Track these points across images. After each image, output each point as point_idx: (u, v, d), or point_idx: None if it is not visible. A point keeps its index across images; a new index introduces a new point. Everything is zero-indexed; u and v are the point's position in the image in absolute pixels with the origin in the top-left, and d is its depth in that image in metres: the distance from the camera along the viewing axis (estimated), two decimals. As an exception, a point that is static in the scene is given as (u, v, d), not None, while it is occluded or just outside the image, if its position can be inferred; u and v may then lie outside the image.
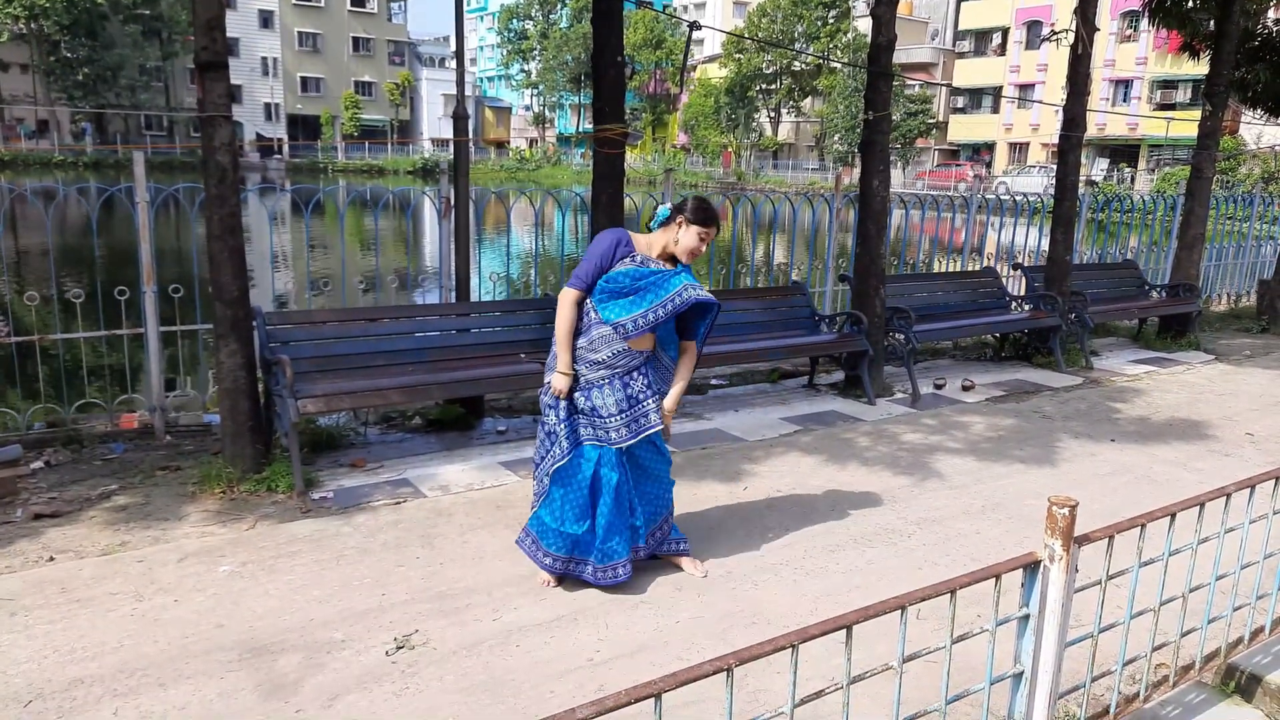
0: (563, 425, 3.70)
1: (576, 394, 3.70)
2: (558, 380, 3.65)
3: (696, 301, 3.63)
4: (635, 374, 3.69)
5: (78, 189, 6.33)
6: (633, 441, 3.71)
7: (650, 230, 3.78)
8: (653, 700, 1.64)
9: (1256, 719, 2.90)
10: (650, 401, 3.71)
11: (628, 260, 3.61)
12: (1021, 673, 2.29)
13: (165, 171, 36.91)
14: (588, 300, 3.67)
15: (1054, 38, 9.83)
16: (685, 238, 3.63)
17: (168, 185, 5.97)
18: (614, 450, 3.71)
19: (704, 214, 3.63)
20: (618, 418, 3.68)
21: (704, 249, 3.69)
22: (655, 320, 3.60)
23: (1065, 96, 8.77)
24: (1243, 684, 3.00)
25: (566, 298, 3.63)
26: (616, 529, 3.74)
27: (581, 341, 3.67)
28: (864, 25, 44.96)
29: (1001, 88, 49.23)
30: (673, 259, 3.71)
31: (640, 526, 3.84)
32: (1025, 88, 48.58)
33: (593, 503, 3.76)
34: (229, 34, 4.86)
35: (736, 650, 1.77)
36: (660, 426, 3.73)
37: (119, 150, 46.11)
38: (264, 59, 62.85)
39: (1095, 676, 2.58)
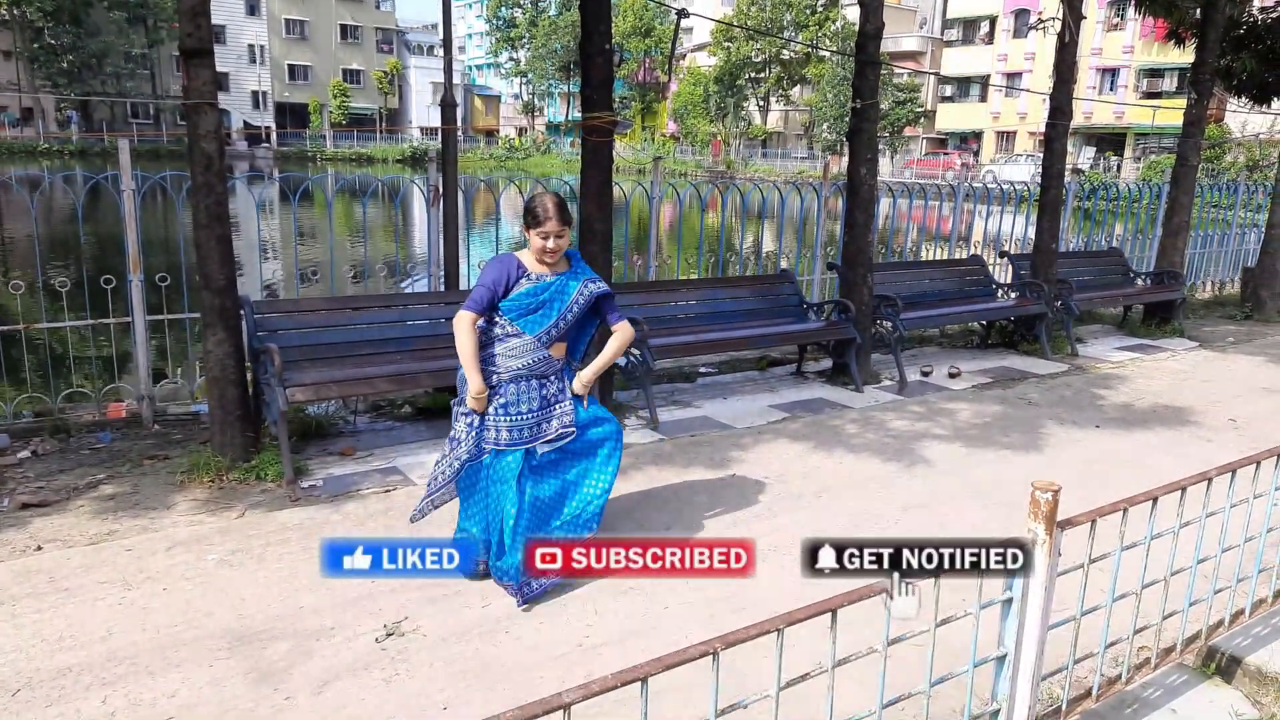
0: (471, 433, 3.67)
1: (494, 398, 3.66)
2: (474, 403, 3.62)
3: (599, 295, 3.76)
4: (552, 378, 3.74)
5: (63, 177, 6.31)
6: (545, 443, 3.70)
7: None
8: (639, 684, 1.66)
9: (1236, 699, 2.94)
10: (565, 404, 3.74)
11: (524, 281, 3.64)
12: (1005, 655, 2.32)
13: (151, 159, 36.60)
14: (502, 318, 3.65)
15: (1041, 26, 9.86)
16: (533, 244, 3.64)
17: (154, 173, 5.94)
18: (521, 455, 3.67)
19: (531, 216, 3.62)
20: (531, 415, 3.67)
21: (555, 243, 3.61)
22: (567, 324, 3.70)
23: (1052, 85, 8.80)
24: (1223, 665, 3.04)
25: (464, 321, 3.58)
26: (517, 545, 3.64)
27: (499, 349, 3.65)
28: (852, 13, 44.84)
29: (989, 76, 49.28)
30: (560, 261, 3.72)
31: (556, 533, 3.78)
32: (1013, 76, 48.63)
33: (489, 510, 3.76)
34: (215, 21, 4.85)
35: (722, 634, 1.79)
36: (570, 433, 3.73)
37: (105, 138, 45.67)
38: (251, 46, 62.24)
39: (1078, 659, 2.61)
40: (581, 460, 3.84)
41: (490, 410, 3.65)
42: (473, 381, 3.60)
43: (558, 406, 3.73)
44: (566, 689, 1.58)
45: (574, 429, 3.75)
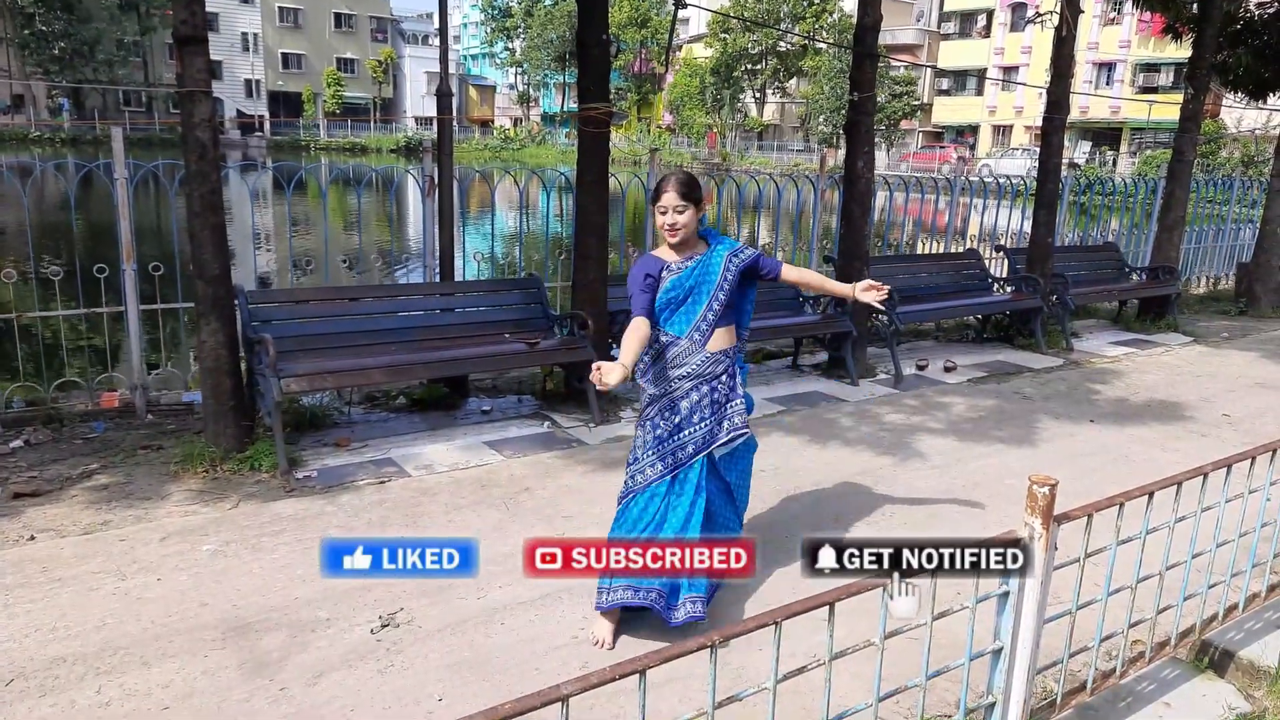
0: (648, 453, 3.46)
1: (663, 410, 3.44)
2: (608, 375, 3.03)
3: (750, 262, 3.49)
4: (723, 378, 3.46)
5: (55, 165, 6.26)
6: (719, 446, 3.44)
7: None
8: (637, 676, 1.66)
9: (1229, 693, 2.96)
10: (737, 403, 3.47)
11: (666, 274, 3.44)
12: (1001, 649, 2.33)
13: (144, 148, 36.47)
14: (658, 328, 3.44)
15: (1038, 20, 9.85)
16: (655, 224, 3.48)
17: (147, 162, 5.90)
18: (698, 465, 3.44)
19: (652, 193, 3.53)
20: (705, 425, 3.42)
21: (674, 218, 3.36)
22: (721, 309, 3.44)
23: (1049, 79, 8.79)
24: (1216, 660, 3.06)
25: (634, 325, 3.29)
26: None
27: (662, 362, 3.45)
28: (849, 5, 44.80)
29: (986, 70, 49.25)
30: (695, 244, 3.51)
31: None
32: (1009, 70, 48.59)
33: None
34: (208, 8, 4.82)
35: (720, 627, 1.79)
36: (745, 433, 3.48)
37: (97, 126, 45.44)
38: (244, 34, 61.91)
39: (1073, 652, 2.61)
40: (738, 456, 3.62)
41: (665, 432, 3.43)
42: (628, 357, 3.16)
43: (729, 406, 3.46)
44: (564, 681, 1.57)
45: (747, 429, 3.49)
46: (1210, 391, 7.34)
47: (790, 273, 3.63)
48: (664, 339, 3.46)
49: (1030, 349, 8.62)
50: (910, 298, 8.09)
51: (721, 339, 3.48)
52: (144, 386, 5.70)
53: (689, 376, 3.43)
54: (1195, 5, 10.32)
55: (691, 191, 3.39)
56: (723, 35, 55.84)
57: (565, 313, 6.28)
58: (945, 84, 53.35)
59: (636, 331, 3.28)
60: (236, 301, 5.05)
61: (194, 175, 4.69)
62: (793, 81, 59.22)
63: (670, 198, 3.36)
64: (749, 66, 58.08)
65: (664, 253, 3.49)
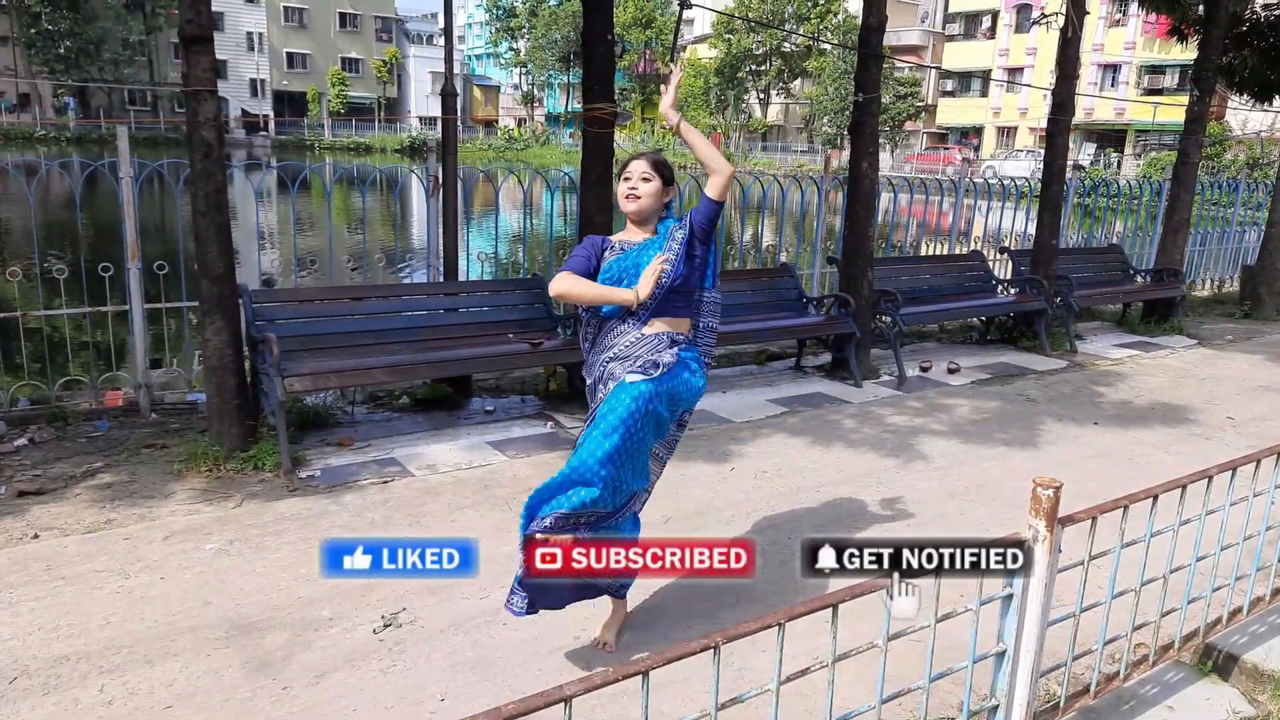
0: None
1: (599, 394, 3.22)
2: (640, 289, 3.05)
3: (693, 232, 3.16)
4: (663, 355, 3.17)
5: (60, 164, 6.26)
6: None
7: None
8: (640, 677, 1.66)
9: (1233, 697, 2.95)
10: (685, 376, 3.17)
11: (608, 253, 3.22)
12: (1004, 651, 2.32)
13: (149, 147, 36.53)
14: (595, 310, 3.25)
15: (1043, 21, 9.84)
16: (619, 193, 3.27)
17: (152, 161, 5.91)
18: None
19: (620, 167, 3.35)
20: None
21: (638, 185, 3.18)
22: (662, 290, 3.12)
23: (1054, 80, 8.78)
24: (1220, 663, 3.05)
25: (563, 276, 3.15)
26: None
27: (597, 347, 3.25)
28: (854, 6, 44.76)
29: (990, 71, 49.21)
30: (652, 231, 3.26)
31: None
32: (1014, 71, 48.57)
33: None
34: (213, 8, 4.82)
35: (723, 629, 1.78)
36: (686, 419, 3.27)
37: (102, 125, 45.52)
38: (249, 34, 61.98)
39: (1076, 655, 2.61)
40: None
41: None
42: (620, 295, 3.09)
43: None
44: (568, 681, 1.57)
45: (688, 414, 3.28)
46: (1214, 394, 7.33)
47: (713, 187, 3.18)
48: (596, 320, 3.26)
49: (1034, 351, 8.60)
50: (914, 299, 8.08)
51: (665, 322, 3.19)
52: (148, 385, 5.71)
53: (616, 358, 3.16)
54: (1201, 7, 10.30)
55: (661, 168, 3.23)
56: (727, 36, 55.88)
57: (568, 313, 6.28)
58: (950, 85, 53.32)
59: (576, 276, 3.12)
60: (241, 301, 5.06)
61: (199, 174, 4.70)
62: (797, 82, 59.21)
63: (638, 165, 3.21)
64: (753, 67, 58.12)
65: (619, 234, 3.31)
